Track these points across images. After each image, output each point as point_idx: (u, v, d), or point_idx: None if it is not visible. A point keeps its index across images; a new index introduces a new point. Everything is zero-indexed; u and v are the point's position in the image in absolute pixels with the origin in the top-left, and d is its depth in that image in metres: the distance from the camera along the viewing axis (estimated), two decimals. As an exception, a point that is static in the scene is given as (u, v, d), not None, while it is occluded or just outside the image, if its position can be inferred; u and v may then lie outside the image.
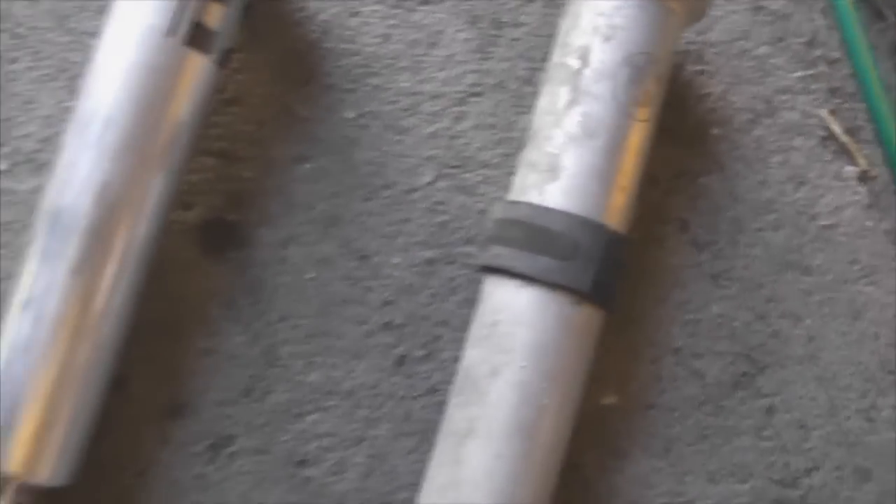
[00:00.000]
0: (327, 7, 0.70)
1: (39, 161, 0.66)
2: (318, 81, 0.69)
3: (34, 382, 0.57)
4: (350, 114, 0.69)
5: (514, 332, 0.59)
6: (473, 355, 0.61)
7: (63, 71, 0.67)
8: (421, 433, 0.66)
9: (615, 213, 0.61)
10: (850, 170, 0.74)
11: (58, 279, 0.58)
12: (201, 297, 0.66)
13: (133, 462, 0.64)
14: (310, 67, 0.70)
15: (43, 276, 0.58)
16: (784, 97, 0.74)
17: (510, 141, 0.70)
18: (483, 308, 0.61)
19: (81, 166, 0.59)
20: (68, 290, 0.58)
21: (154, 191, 0.60)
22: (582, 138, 0.61)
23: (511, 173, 0.64)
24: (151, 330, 0.65)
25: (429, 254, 0.68)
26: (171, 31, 0.59)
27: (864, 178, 0.74)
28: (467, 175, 0.70)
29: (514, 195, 0.63)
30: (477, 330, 0.61)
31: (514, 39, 0.72)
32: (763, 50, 0.75)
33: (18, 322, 0.58)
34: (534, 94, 0.66)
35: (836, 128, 0.74)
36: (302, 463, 0.66)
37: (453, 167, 0.70)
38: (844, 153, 0.74)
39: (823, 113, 0.75)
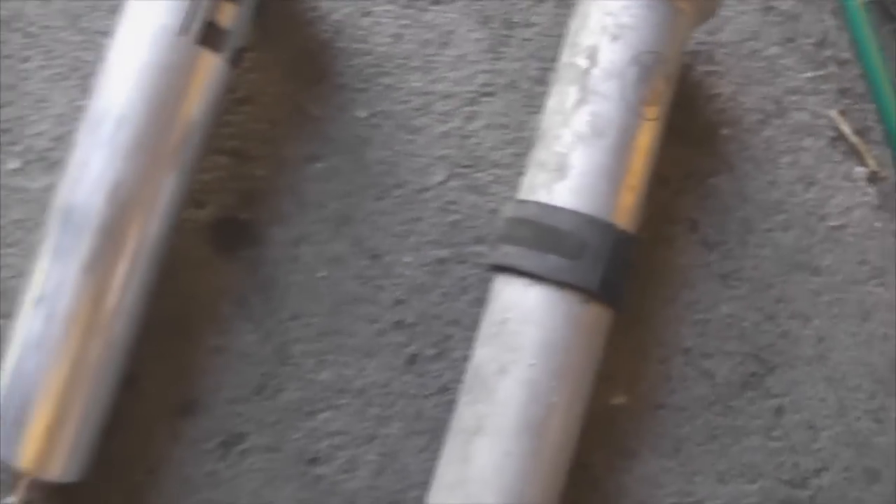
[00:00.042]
0: (339, 7, 0.70)
1: (52, 159, 0.66)
2: (331, 81, 0.70)
3: (46, 379, 0.57)
4: (362, 113, 0.70)
5: (522, 331, 0.59)
6: (482, 353, 0.61)
7: (75, 70, 0.68)
8: (432, 432, 0.66)
9: (624, 212, 0.61)
10: (859, 171, 0.74)
11: (70, 277, 0.58)
12: (213, 296, 0.67)
13: (144, 459, 0.64)
14: (322, 67, 0.70)
15: (55, 273, 0.58)
16: (794, 98, 0.74)
17: (521, 141, 0.70)
18: (492, 306, 0.62)
19: (94, 165, 0.59)
20: (80, 287, 0.58)
21: (166, 189, 0.60)
22: (590, 137, 0.61)
23: (522, 173, 0.65)
24: (163, 328, 0.65)
25: (440, 253, 0.69)
26: (183, 30, 0.59)
27: (873, 178, 0.74)
28: (479, 175, 0.70)
29: (523, 194, 0.63)
30: (486, 328, 0.61)
31: (525, 39, 0.72)
32: (773, 50, 0.75)
33: (31, 319, 0.58)
34: (545, 94, 0.66)
35: (846, 129, 0.74)
36: (313, 461, 0.66)
37: (465, 167, 0.70)
38: (854, 154, 0.74)
39: (833, 114, 0.75)
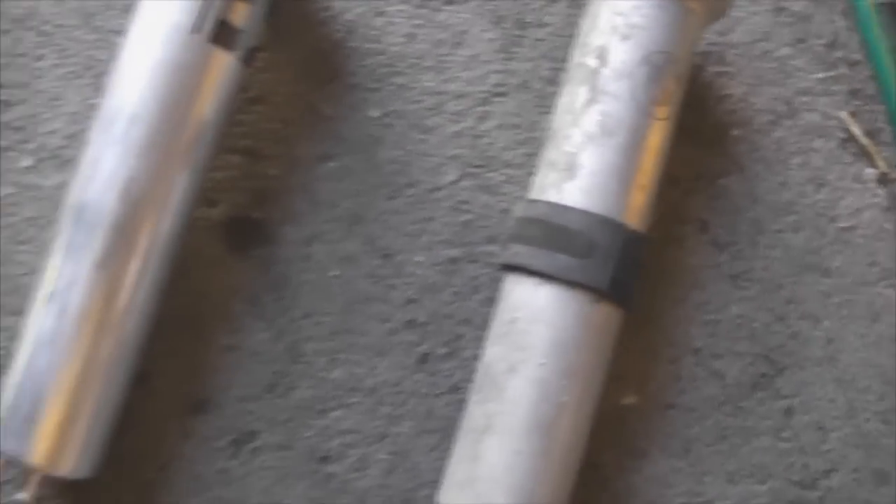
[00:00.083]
0: (352, 6, 0.71)
1: (65, 157, 0.67)
2: (343, 80, 0.70)
3: (58, 375, 0.58)
4: (375, 113, 0.70)
5: (532, 330, 0.59)
6: (493, 352, 0.61)
7: (89, 68, 0.68)
8: (443, 430, 0.66)
9: (634, 212, 0.61)
10: (869, 172, 0.74)
11: (82, 274, 0.58)
12: (225, 294, 0.67)
13: (155, 456, 0.65)
14: (335, 66, 0.70)
15: (67, 270, 0.58)
16: (804, 99, 0.74)
17: (533, 141, 0.70)
18: (502, 305, 0.62)
19: (106, 162, 0.59)
20: (92, 284, 0.58)
21: (178, 187, 0.61)
22: (600, 137, 0.61)
23: (533, 173, 0.65)
24: (176, 325, 0.65)
25: (452, 252, 0.69)
26: (195, 28, 0.60)
27: (883, 180, 0.74)
28: (491, 174, 0.70)
29: (534, 194, 0.63)
30: (496, 327, 0.62)
31: (537, 40, 0.72)
32: (784, 51, 0.75)
33: (43, 315, 0.58)
34: (556, 94, 0.66)
35: (856, 130, 0.74)
36: (324, 459, 0.66)
37: (477, 166, 0.70)
38: (864, 155, 0.74)
39: (843, 115, 0.75)
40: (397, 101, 0.70)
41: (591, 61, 0.62)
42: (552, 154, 0.63)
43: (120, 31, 0.62)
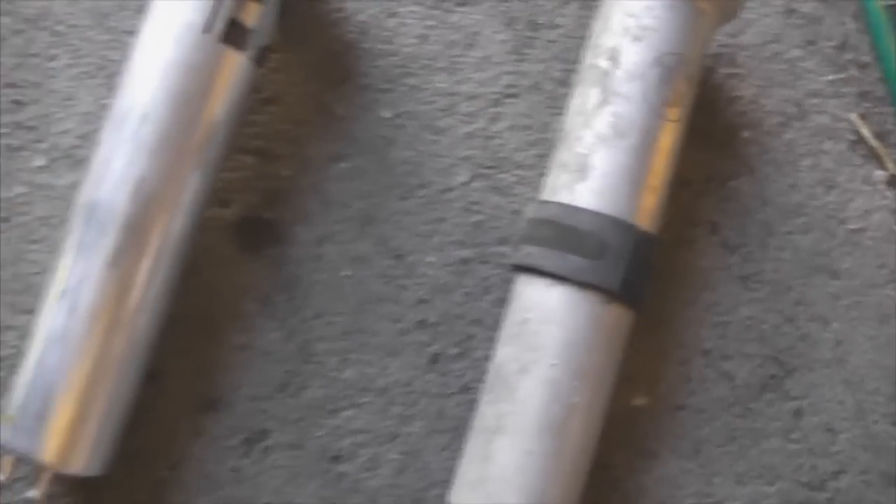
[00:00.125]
0: (365, 8, 0.71)
1: (77, 157, 0.67)
2: (356, 81, 0.70)
3: (69, 373, 0.58)
4: (387, 113, 0.70)
5: (544, 330, 0.60)
6: (504, 353, 0.61)
7: (102, 69, 0.68)
8: (454, 430, 0.66)
9: (645, 214, 0.61)
10: (879, 174, 0.74)
11: (93, 271, 0.58)
12: (237, 293, 0.67)
13: (167, 455, 0.65)
14: (347, 67, 0.70)
15: (78, 268, 0.59)
16: (814, 101, 0.74)
17: (545, 142, 0.70)
18: (514, 306, 0.62)
19: (117, 161, 0.59)
20: (103, 282, 0.58)
21: (189, 186, 0.61)
22: (612, 138, 0.61)
23: (545, 174, 0.65)
24: (188, 324, 0.65)
25: (463, 253, 0.69)
26: (207, 28, 0.60)
27: (893, 182, 0.74)
28: (502, 175, 0.70)
29: (545, 195, 0.63)
30: (508, 328, 0.62)
31: (549, 41, 0.72)
32: (794, 53, 0.75)
33: (54, 313, 0.58)
34: (568, 96, 0.66)
35: (866, 132, 0.74)
36: (336, 458, 0.66)
37: (488, 168, 0.70)
38: (873, 157, 0.75)
39: (853, 117, 0.75)
40: (409, 102, 0.70)
41: (603, 63, 0.63)
42: (564, 155, 0.63)
43: (133, 32, 0.62)
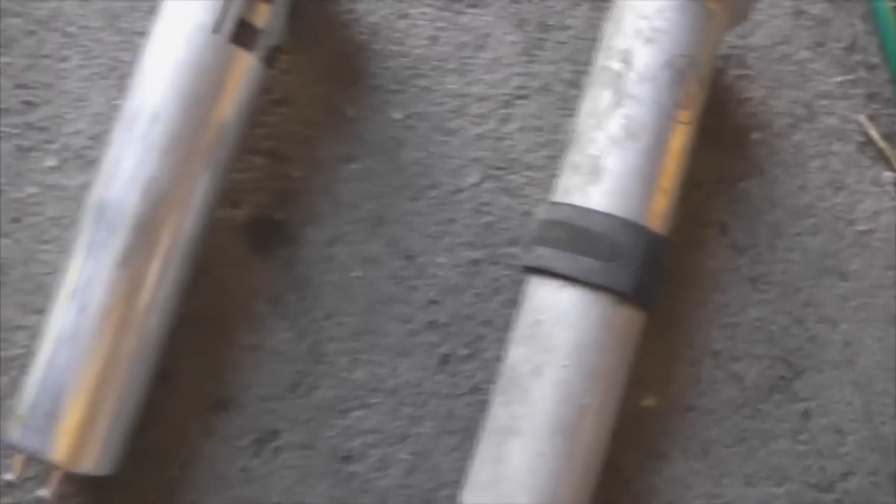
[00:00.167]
0: (376, 9, 0.71)
1: (89, 158, 0.67)
2: (366, 82, 0.70)
3: (79, 373, 0.58)
4: (397, 115, 0.70)
5: (556, 332, 0.60)
6: (516, 354, 0.61)
7: (113, 70, 0.68)
8: (464, 431, 0.66)
9: (656, 215, 0.61)
10: (887, 175, 0.75)
11: (103, 271, 0.58)
12: (248, 294, 0.67)
13: (177, 455, 0.65)
14: (358, 68, 0.70)
15: (88, 268, 0.59)
16: (823, 102, 0.74)
17: (555, 143, 0.70)
18: (526, 307, 0.62)
19: (127, 161, 0.59)
20: (114, 282, 0.58)
21: (200, 187, 0.61)
22: (624, 140, 0.61)
23: (556, 175, 0.65)
24: (198, 325, 0.66)
25: (474, 254, 0.69)
26: (216, 28, 0.60)
27: (901, 183, 0.75)
28: (513, 177, 0.70)
29: (557, 197, 0.63)
30: (520, 329, 0.62)
31: (560, 42, 0.72)
32: (803, 55, 0.75)
33: (64, 312, 0.59)
34: (579, 97, 0.66)
35: (875, 133, 0.75)
36: (346, 459, 0.66)
37: (499, 169, 0.70)
38: (882, 159, 0.75)
39: (862, 118, 0.75)
40: (420, 104, 0.70)
41: (616, 65, 0.63)
42: (576, 157, 0.63)
43: (145, 34, 0.62)
